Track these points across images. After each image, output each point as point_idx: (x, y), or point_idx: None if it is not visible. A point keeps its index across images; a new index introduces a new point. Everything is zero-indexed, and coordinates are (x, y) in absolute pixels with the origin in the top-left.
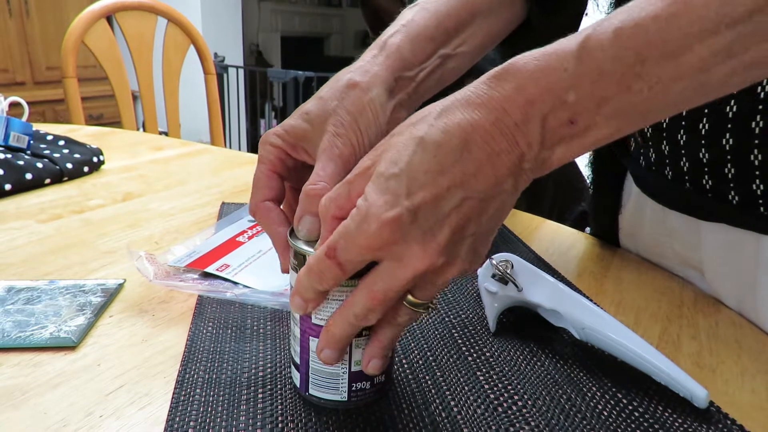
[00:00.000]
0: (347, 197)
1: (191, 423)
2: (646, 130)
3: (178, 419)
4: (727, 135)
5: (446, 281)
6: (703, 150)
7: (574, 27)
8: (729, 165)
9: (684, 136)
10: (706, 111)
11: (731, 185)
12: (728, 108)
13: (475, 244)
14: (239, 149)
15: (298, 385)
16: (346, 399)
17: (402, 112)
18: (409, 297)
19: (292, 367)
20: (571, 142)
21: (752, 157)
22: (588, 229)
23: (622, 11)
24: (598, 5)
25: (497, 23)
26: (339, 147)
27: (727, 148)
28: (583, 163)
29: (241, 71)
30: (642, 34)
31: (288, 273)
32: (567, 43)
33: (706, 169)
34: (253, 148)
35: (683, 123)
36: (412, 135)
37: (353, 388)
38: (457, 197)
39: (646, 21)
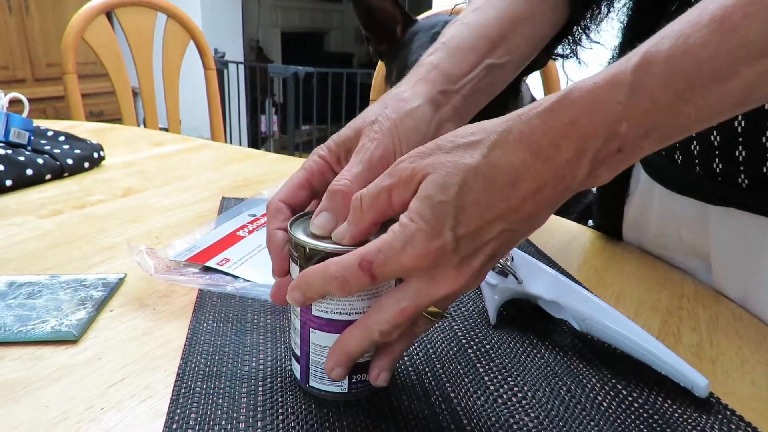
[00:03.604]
0: (388, 204)
1: (192, 415)
2: None
3: (179, 412)
4: (740, 117)
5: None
6: (714, 132)
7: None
8: (740, 147)
9: None
10: None
11: (741, 168)
12: None
13: (498, 259)
14: (240, 145)
15: (298, 377)
16: (347, 391)
17: (450, 126)
18: (429, 309)
19: (293, 359)
20: (617, 165)
21: (764, 138)
22: (591, 222)
23: (668, 36)
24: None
25: (541, 28)
26: (370, 150)
27: (739, 130)
28: None
29: (242, 67)
30: (692, 61)
31: (279, 276)
32: (620, 72)
33: (717, 152)
34: (253, 143)
35: None
36: (462, 162)
37: (353, 380)
38: (497, 229)
39: (695, 48)
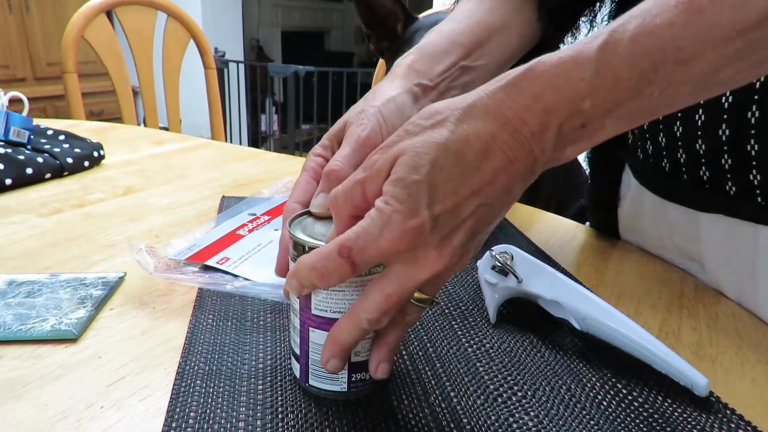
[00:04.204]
0: (362, 197)
1: (192, 414)
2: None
3: (178, 410)
4: (723, 126)
5: (452, 276)
6: (699, 141)
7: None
8: (726, 155)
9: (680, 128)
10: (701, 102)
11: (728, 176)
12: (724, 99)
13: (481, 238)
14: (240, 144)
15: (298, 376)
16: (346, 390)
17: None
18: (416, 294)
19: (292, 358)
20: (580, 142)
21: (749, 147)
22: (587, 223)
23: (636, 16)
24: (593, 26)
25: (517, 38)
26: (357, 132)
27: (724, 138)
28: (582, 157)
29: (242, 66)
30: (658, 42)
31: (278, 274)
32: (586, 49)
33: (703, 160)
34: (253, 143)
35: (679, 114)
36: (431, 140)
37: (353, 379)
38: (473, 204)
39: (661, 29)
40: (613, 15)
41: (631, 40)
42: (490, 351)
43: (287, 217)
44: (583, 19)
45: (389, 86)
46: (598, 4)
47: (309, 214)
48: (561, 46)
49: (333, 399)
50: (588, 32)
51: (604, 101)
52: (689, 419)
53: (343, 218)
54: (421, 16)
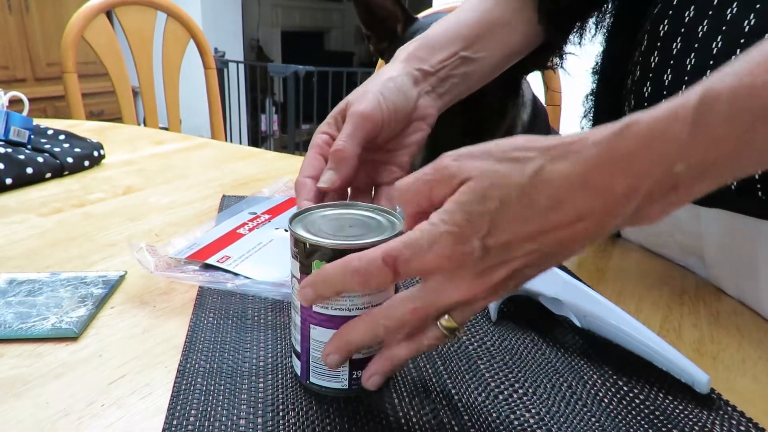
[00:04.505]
0: (428, 200)
1: (192, 412)
2: None
3: (179, 408)
4: None
5: (482, 308)
6: None
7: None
8: None
9: None
10: None
11: None
12: None
13: (520, 282)
14: (240, 144)
15: (299, 374)
16: (347, 387)
17: (428, 101)
18: (443, 320)
19: (293, 355)
20: (667, 206)
21: None
22: None
23: (731, 74)
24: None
25: (515, 35)
26: (359, 109)
27: None
28: None
29: (242, 66)
30: (755, 100)
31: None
32: (681, 107)
33: None
34: (253, 143)
35: None
36: (510, 177)
37: (354, 376)
38: (527, 248)
39: (757, 87)
40: (616, 14)
41: (729, 100)
42: (491, 348)
43: (299, 192)
44: (591, 20)
45: (390, 68)
46: (605, 6)
47: (310, 211)
48: (565, 46)
49: (334, 396)
50: (594, 35)
51: (699, 163)
52: (690, 416)
53: (413, 206)
54: (420, 16)
